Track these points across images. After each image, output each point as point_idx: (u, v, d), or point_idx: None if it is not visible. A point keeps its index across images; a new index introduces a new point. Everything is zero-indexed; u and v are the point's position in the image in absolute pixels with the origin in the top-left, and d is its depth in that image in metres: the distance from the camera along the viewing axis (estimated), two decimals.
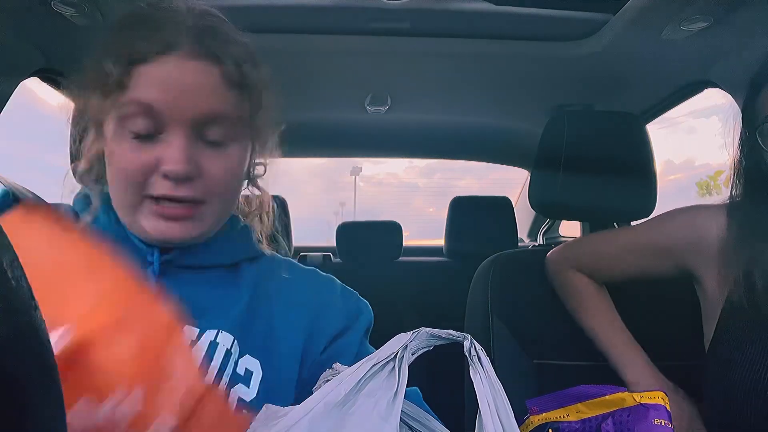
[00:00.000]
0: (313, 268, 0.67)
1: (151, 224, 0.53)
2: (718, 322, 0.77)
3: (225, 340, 0.54)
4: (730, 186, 0.81)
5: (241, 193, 0.64)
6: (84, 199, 0.59)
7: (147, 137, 0.52)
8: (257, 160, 0.63)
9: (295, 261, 0.68)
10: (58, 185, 0.59)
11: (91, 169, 0.57)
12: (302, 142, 1.84)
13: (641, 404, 0.67)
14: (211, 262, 0.59)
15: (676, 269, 0.84)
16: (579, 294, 0.93)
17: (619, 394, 0.70)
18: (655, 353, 0.89)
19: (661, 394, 0.68)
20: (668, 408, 0.67)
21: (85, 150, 0.56)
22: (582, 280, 0.93)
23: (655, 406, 0.67)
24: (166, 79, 0.51)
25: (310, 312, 0.60)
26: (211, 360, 0.53)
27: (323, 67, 1.19)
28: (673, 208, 0.89)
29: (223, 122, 0.54)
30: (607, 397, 0.70)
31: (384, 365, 0.27)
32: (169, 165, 0.50)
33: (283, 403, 0.54)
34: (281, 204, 1.86)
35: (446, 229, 2.02)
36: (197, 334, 0.54)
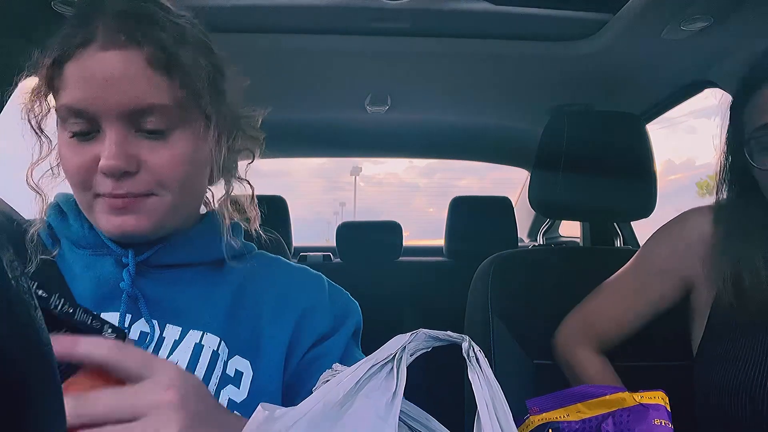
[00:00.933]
0: (302, 266, 0.66)
1: (105, 221, 0.52)
2: (707, 321, 0.78)
3: (211, 341, 0.54)
4: (716, 187, 0.81)
5: (230, 191, 0.62)
6: (56, 210, 0.58)
7: (86, 135, 0.51)
8: (228, 149, 0.60)
9: (284, 259, 0.67)
10: (58, 186, 0.59)
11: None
12: (302, 142, 1.84)
13: (641, 404, 0.67)
14: (188, 259, 0.57)
15: (682, 282, 0.83)
16: (586, 371, 0.88)
17: (619, 394, 0.70)
18: (648, 353, 0.90)
19: (661, 394, 0.68)
20: (668, 408, 0.67)
21: (35, 157, 0.56)
22: (589, 357, 0.89)
23: (656, 406, 0.67)
24: (87, 73, 0.49)
25: (297, 311, 0.59)
26: (197, 362, 0.52)
27: (323, 67, 1.19)
28: (673, 207, 0.89)
29: (157, 111, 0.51)
30: (607, 397, 0.70)
31: (382, 366, 0.27)
32: (102, 162, 0.49)
33: (272, 403, 0.54)
34: (281, 204, 1.86)
35: (446, 229, 2.02)
36: (179, 333, 0.54)
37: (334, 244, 2.05)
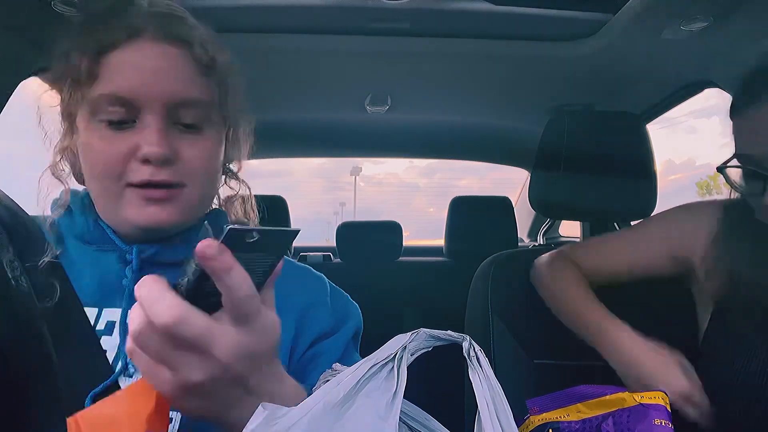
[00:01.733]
0: (305, 266, 0.67)
1: (135, 212, 0.52)
2: (710, 318, 0.79)
3: None
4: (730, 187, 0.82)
5: (221, 191, 0.64)
6: (61, 207, 0.59)
7: (122, 125, 0.52)
8: (232, 151, 0.62)
9: (287, 257, 0.67)
10: (59, 185, 0.59)
11: (68, 165, 0.57)
12: (302, 142, 1.84)
13: (641, 404, 0.67)
14: (190, 257, 0.58)
15: (677, 258, 0.85)
16: (564, 280, 0.91)
17: (619, 394, 0.70)
18: None
19: (661, 394, 0.68)
20: (668, 408, 0.67)
21: (59, 144, 0.57)
22: (573, 270, 0.91)
23: (656, 406, 0.67)
24: (136, 64, 0.51)
25: (297, 309, 0.59)
26: None
27: (323, 67, 1.19)
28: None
29: (197, 106, 0.54)
30: (607, 397, 0.70)
31: (383, 366, 0.27)
32: (146, 149, 0.50)
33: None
34: (281, 204, 1.86)
35: (446, 229, 2.02)
36: None
37: (334, 244, 2.05)
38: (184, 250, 0.57)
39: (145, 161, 0.51)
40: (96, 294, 0.54)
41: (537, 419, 0.75)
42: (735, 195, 0.81)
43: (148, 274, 0.55)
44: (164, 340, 0.33)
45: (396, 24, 1.00)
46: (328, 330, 0.60)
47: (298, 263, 0.67)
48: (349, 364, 0.56)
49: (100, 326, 0.53)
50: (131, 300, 0.53)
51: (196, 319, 0.33)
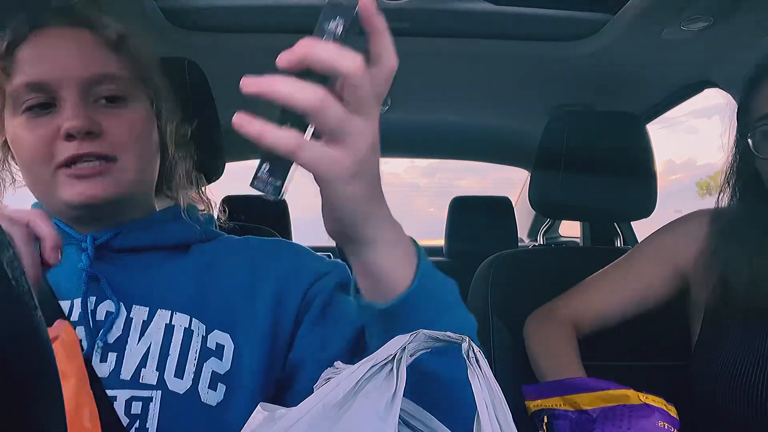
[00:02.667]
0: (276, 238, 0.67)
1: (69, 191, 0.53)
2: (702, 318, 0.79)
3: (181, 320, 0.54)
4: (719, 189, 0.82)
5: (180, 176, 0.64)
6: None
7: (42, 112, 0.53)
8: (172, 135, 0.62)
9: (255, 236, 0.67)
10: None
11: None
12: None
13: (646, 404, 0.67)
14: (148, 243, 0.59)
15: (676, 277, 0.84)
16: (544, 344, 0.87)
17: (623, 391, 0.69)
18: (646, 353, 0.90)
19: (662, 401, 0.67)
20: (673, 414, 0.66)
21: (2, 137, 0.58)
22: (558, 331, 0.87)
23: (662, 410, 0.66)
24: (45, 50, 0.53)
25: (276, 279, 0.59)
26: (171, 340, 0.53)
27: None
28: (674, 207, 0.89)
29: (112, 80, 0.55)
30: (610, 391, 0.70)
31: (382, 366, 0.27)
32: (66, 123, 0.51)
33: (258, 374, 0.54)
34: (281, 204, 1.86)
35: (446, 229, 2.02)
36: (147, 314, 0.54)
37: (334, 244, 2.04)
38: (139, 236, 0.58)
39: (69, 137, 0.52)
40: (64, 286, 0.55)
41: (532, 405, 0.75)
42: (723, 203, 0.81)
43: (104, 260, 0.56)
44: (339, 105, 0.34)
45: (396, 24, 1.00)
46: (311, 282, 0.59)
47: (269, 238, 0.67)
48: (341, 309, 0.56)
49: (74, 317, 0.54)
50: (91, 285, 0.54)
51: (336, 106, 0.34)
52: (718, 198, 0.82)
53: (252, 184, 0.35)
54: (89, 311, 0.53)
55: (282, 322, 0.57)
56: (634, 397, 0.68)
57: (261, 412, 0.30)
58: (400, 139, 1.87)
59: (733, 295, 0.73)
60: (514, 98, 1.42)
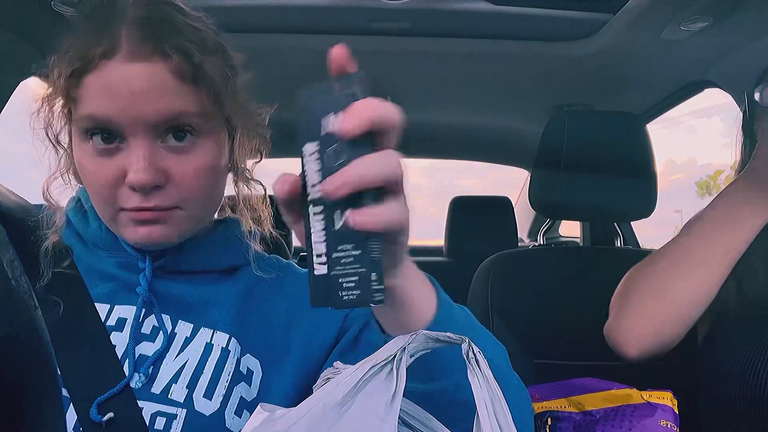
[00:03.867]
0: None
1: (131, 233, 0.52)
2: (711, 315, 0.79)
3: (220, 339, 0.54)
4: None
5: (232, 194, 0.63)
6: (76, 207, 0.59)
7: (109, 147, 0.49)
8: (243, 153, 0.59)
9: (294, 264, 0.67)
10: (59, 186, 0.59)
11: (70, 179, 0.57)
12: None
13: (648, 403, 0.67)
14: (203, 266, 0.58)
15: None
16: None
17: (626, 390, 0.69)
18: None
19: (669, 394, 0.67)
20: (675, 410, 0.66)
21: (57, 162, 0.55)
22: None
23: (663, 407, 0.66)
24: (112, 86, 0.47)
25: (312, 312, 0.58)
26: (207, 359, 0.53)
27: (323, 67, 1.19)
28: (674, 207, 0.89)
29: (184, 120, 0.50)
30: (613, 391, 0.70)
31: (382, 367, 0.27)
32: (132, 176, 0.48)
33: (285, 405, 0.54)
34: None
35: (446, 229, 2.02)
36: (191, 330, 0.54)
37: None
38: (196, 258, 0.58)
39: (133, 189, 0.49)
40: (107, 291, 0.55)
41: (537, 407, 0.75)
42: None
43: (161, 281, 0.55)
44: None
45: (396, 24, 1.00)
46: (340, 328, 0.59)
47: (304, 269, 0.66)
48: (376, 337, 0.56)
49: (111, 322, 0.53)
50: (143, 305, 0.53)
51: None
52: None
53: (372, 303, 0.31)
54: (137, 325, 0.53)
55: (314, 355, 0.57)
56: (636, 396, 0.68)
57: (261, 413, 0.30)
58: (401, 139, 1.87)
59: (746, 294, 0.72)
60: (514, 98, 1.42)
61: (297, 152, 0.35)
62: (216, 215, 0.63)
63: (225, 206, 0.64)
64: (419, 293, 0.43)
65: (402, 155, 0.35)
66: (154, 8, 0.50)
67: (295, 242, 2.03)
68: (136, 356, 0.52)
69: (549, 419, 0.73)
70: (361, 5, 0.94)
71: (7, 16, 0.85)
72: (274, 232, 0.65)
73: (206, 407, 0.51)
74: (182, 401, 0.50)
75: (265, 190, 0.64)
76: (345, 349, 0.57)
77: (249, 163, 0.63)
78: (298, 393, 0.56)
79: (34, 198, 0.60)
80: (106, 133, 0.49)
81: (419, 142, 1.92)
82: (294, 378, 0.56)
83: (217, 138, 0.54)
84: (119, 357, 0.51)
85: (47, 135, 0.54)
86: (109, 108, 0.48)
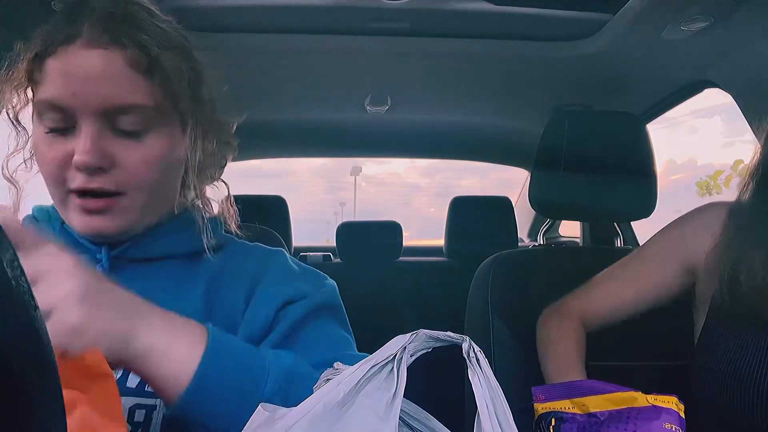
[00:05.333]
0: (278, 249, 0.65)
1: (77, 219, 0.53)
2: (706, 316, 0.79)
3: None
4: (741, 186, 0.82)
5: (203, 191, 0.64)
6: (30, 221, 0.60)
7: (61, 131, 0.51)
8: (203, 152, 0.60)
9: (262, 245, 0.66)
10: (33, 178, 0.60)
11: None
12: (302, 142, 1.84)
13: (654, 406, 0.66)
14: (160, 253, 0.58)
15: (686, 270, 0.83)
16: (552, 342, 0.87)
17: (632, 393, 0.69)
18: (648, 353, 0.89)
19: (674, 399, 0.67)
20: (682, 414, 0.66)
21: (11, 148, 0.57)
22: (566, 330, 0.87)
23: (668, 410, 0.66)
24: (68, 70, 0.50)
25: (248, 281, 0.59)
26: None
27: (323, 67, 1.19)
28: (675, 207, 0.89)
29: (135, 111, 0.52)
30: (618, 393, 0.70)
31: (383, 366, 0.27)
32: (77, 156, 0.50)
33: None
34: (281, 204, 1.86)
35: (446, 229, 2.02)
36: None
37: (334, 244, 2.05)
38: (154, 246, 0.58)
39: (78, 168, 0.51)
40: None
41: (541, 407, 0.75)
42: (744, 197, 0.81)
43: (118, 269, 0.55)
44: None
45: (396, 24, 1.00)
46: (286, 299, 0.58)
47: (269, 248, 0.65)
48: (318, 337, 0.56)
49: None
50: None
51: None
52: (740, 193, 0.81)
53: None
54: None
55: (258, 335, 0.57)
56: (641, 399, 0.68)
57: (262, 412, 0.30)
58: (400, 139, 1.87)
59: (742, 292, 0.72)
60: (514, 98, 1.42)
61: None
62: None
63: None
64: (166, 368, 0.42)
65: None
66: (120, 5, 0.53)
67: (295, 242, 2.04)
68: None
69: (553, 420, 0.73)
70: (361, 5, 0.94)
71: (6, 15, 0.85)
72: (238, 231, 0.66)
73: None
74: None
75: (228, 188, 0.66)
76: (276, 343, 0.56)
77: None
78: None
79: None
80: (60, 117, 0.51)
81: (419, 142, 1.92)
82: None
83: (170, 132, 0.56)
84: None
85: (8, 115, 0.56)
86: (63, 91, 0.50)
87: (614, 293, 0.88)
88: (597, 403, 0.71)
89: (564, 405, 0.73)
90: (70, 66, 0.50)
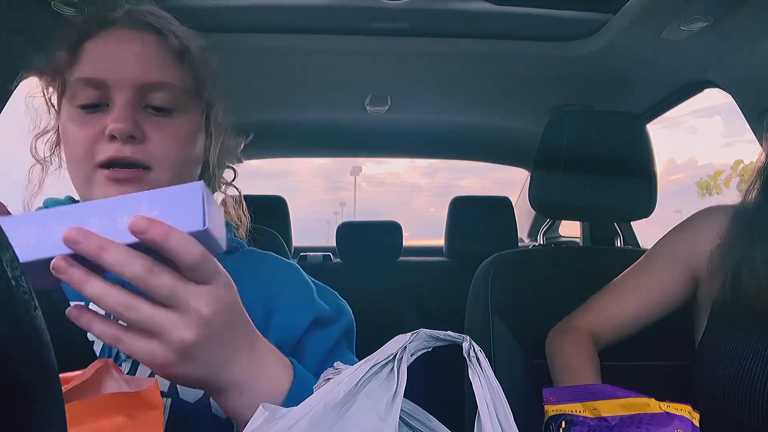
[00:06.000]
0: (292, 263, 0.66)
1: (103, 192, 0.53)
2: (708, 316, 0.79)
3: None
4: (748, 185, 0.81)
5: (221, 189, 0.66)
6: (53, 199, 0.61)
7: (95, 109, 0.54)
8: (214, 146, 0.63)
9: (274, 255, 0.67)
10: (58, 183, 0.61)
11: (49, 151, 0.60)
12: (302, 142, 1.84)
13: (666, 413, 0.66)
14: None
15: (690, 277, 0.83)
16: (564, 358, 0.86)
17: (644, 399, 0.69)
18: (648, 353, 0.89)
19: (688, 408, 0.67)
20: (695, 423, 0.66)
21: (42, 130, 0.60)
22: (576, 345, 0.86)
23: (681, 418, 0.65)
24: (108, 49, 0.54)
25: (282, 300, 0.59)
26: None
27: (323, 67, 1.19)
28: (675, 207, 0.89)
29: (167, 89, 0.55)
30: (630, 399, 0.69)
31: (383, 366, 0.27)
32: (111, 125, 0.52)
33: None
34: (281, 204, 1.87)
35: (446, 229, 2.02)
36: None
37: (334, 244, 2.05)
38: None
39: (111, 138, 0.52)
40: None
41: (551, 409, 0.75)
42: (750, 198, 0.80)
43: None
44: (146, 305, 0.34)
45: (396, 24, 1.00)
46: (316, 320, 0.59)
47: (285, 260, 0.66)
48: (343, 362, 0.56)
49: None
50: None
51: (164, 276, 0.34)
52: (745, 194, 0.81)
53: None
54: (111, 318, 0.53)
55: (289, 344, 0.57)
56: (654, 405, 0.67)
57: (262, 412, 0.30)
58: (400, 139, 1.87)
59: (744, 294, 0.72)
60: (514, 98, 1.42)
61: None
62: None
63: None
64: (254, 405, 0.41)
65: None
66: (147, 3, 0.59)
67: (295, 242, 2.04)
68: (114, 351, 0.52)
69: (563, 422, 0.73)
70: (361, 5, 0.94)
71: (7, 16, 0.85)
72: (244, 236, 0.68)
73: (190, 395, 0.51)
74: (166, 390, 0.51)
75: (240, 194, 0.68)
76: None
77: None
78: None
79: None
80: (95, 93, 0.54)
81: (419, 142, 1.92)
82: None
83: (194, 117, 0.59)
84: (97, 354, 0.52)
85: (44, 97, 0.59)
86: (102, 68, 0.53)
87: (622, 307, 0.87)
88: (609, 408, 0.70)
89: (575, 408, 0.73)
90: (110, 46, 0.54)
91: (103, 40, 0.55)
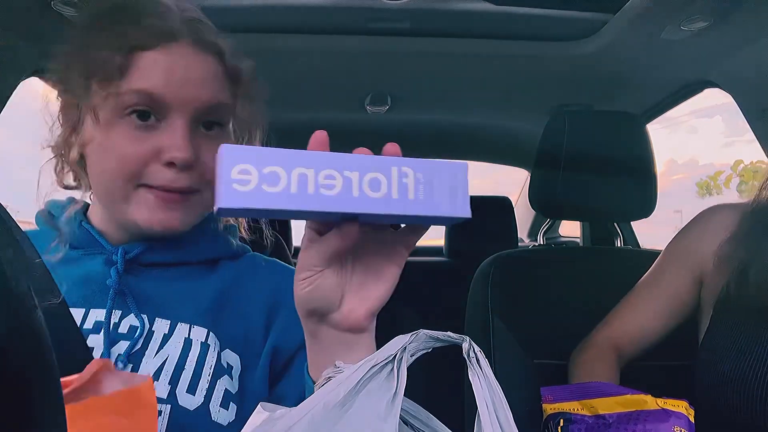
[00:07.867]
0: (275, 260, 0.66)
1: (145, 214, 0.52)
2: (712, 314, 0.79)
3: (198, 333, 0.54)
4: (760, 185, 0.81)
5: None
6: (46, 215, 0.59)
7: (143, 124, 0.51)
8: None
9: (281, 262, 0.67)
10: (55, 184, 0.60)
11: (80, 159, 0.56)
12: (302, 141, 1.83)
13: (663, 409, 0.66)
14: (177, 259, 0.58)
15: (696, 278, 0.83)
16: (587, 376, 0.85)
17: (641, 396, 0.69)
18: (653, 353, 0.89)
19: (685, 404, 0.67)
20: (692, 419, 0.66)
21: (78, 139, 0.55)
22: (606, 357, 0.86)
23: (678, 414, 0.66)
24: (172, 65, 0.51)
25: (283, 310, 0.59)
26: (188, 355, 0.53)
27: (323, 67, 1.19)
28: (675, 207, 0.89)
29: (221, 110, 0.55)
30: (627, 396, 0.70)
31: (383, 367, 0.27)
32: (174, 152, 0.50)
33: (259, 398, 0.54)
34: None
35: (446, 229, 2.02)
36: (168, 327, 0.54)
37: None
38: (169, 252, 0.57)
39: (170, 164, 0.51)
40: (83, 295, 0.54)
41: (550, 408, 0.75)
42: (762, 194, 0.80)
43: (131, 272, 0.55)
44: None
45: (396, 24, 1.00)
46: None
47: (288, 266, 0.65)
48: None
49: (88, 325, 0.53)
50: (117, 299, 0.53)
51: None
52: (759, 193, 0.81)
53: None
54: (112, 324, 0.53)
55: (285, 355, 0.57)
56: (652, 402, 0.67)
57: (261, 412, 0.30)
58: (400, 139, 1.86)
59: (749, 292, 0.72)
60: (514, 98, 1.42)
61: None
62: None
63: None
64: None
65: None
66: (195, 13, 0.56)
67: (296, 242, 2.03)
68: (114, 357, 0.51)
69: (561, 420, 0.73)
70: (361, 5, 0.94)
71: (6, 16, 0.85)
72: (246, 235, 0.68)
73: (190, 402, 0.51)
74: (165, 397, 0.50)
75: None
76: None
77: None
78: (278, 385, 0.57)
79: (33, 197, 0.60)
80: (149, 109, 0.51)
81: (419, 142, 1.92)
82: (267, 373, 0.56)
83: (231, 135, 0.60)
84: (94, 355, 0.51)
85: (79, 107, 0.54)
86: (164, 84, 0.51)
87: (638, 320, 0.87)
88: (606, 406, 0.70)
89: (573, 406, 0.73)
90: (175, 63, 0.51)
91: (164, 54, 0.51)
